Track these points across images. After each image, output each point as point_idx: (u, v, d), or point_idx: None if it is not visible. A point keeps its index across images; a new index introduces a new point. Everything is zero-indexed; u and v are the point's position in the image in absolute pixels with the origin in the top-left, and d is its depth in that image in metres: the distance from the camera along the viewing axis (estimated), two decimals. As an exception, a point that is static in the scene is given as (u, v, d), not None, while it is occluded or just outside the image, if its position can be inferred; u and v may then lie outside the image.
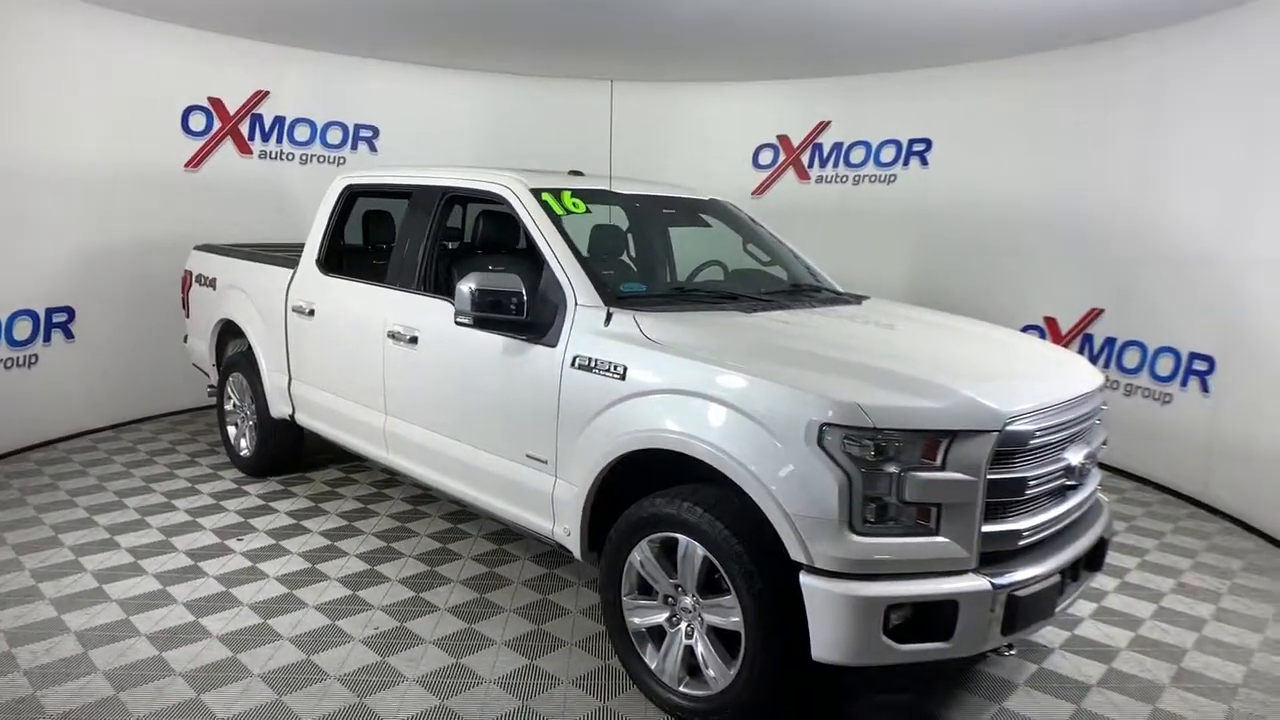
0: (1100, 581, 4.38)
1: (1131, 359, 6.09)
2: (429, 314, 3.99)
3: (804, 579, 2.66)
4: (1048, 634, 3.83)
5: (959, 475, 2.64)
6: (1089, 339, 6.41)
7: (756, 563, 2.76)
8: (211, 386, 5.91)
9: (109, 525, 4.71)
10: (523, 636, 3.66)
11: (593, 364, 3.25)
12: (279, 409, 5.13)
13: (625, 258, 4.80)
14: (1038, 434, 2.81)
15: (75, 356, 6.30)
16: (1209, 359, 5.51)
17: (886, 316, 3.89)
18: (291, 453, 5.50)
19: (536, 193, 3.83)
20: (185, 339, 6.26)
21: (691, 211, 4.78)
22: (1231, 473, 5.38)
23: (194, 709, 3.07)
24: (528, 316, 3.41)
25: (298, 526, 4.78)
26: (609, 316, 3.31)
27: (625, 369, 3.15)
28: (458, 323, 3.46)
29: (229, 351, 5.68)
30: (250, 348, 5.29)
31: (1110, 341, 6.27)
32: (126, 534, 4.60)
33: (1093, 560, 3.24)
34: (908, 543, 2.66)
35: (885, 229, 7.75)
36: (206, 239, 6.23)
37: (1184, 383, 5.69)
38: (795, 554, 2.67)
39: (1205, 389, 5.54)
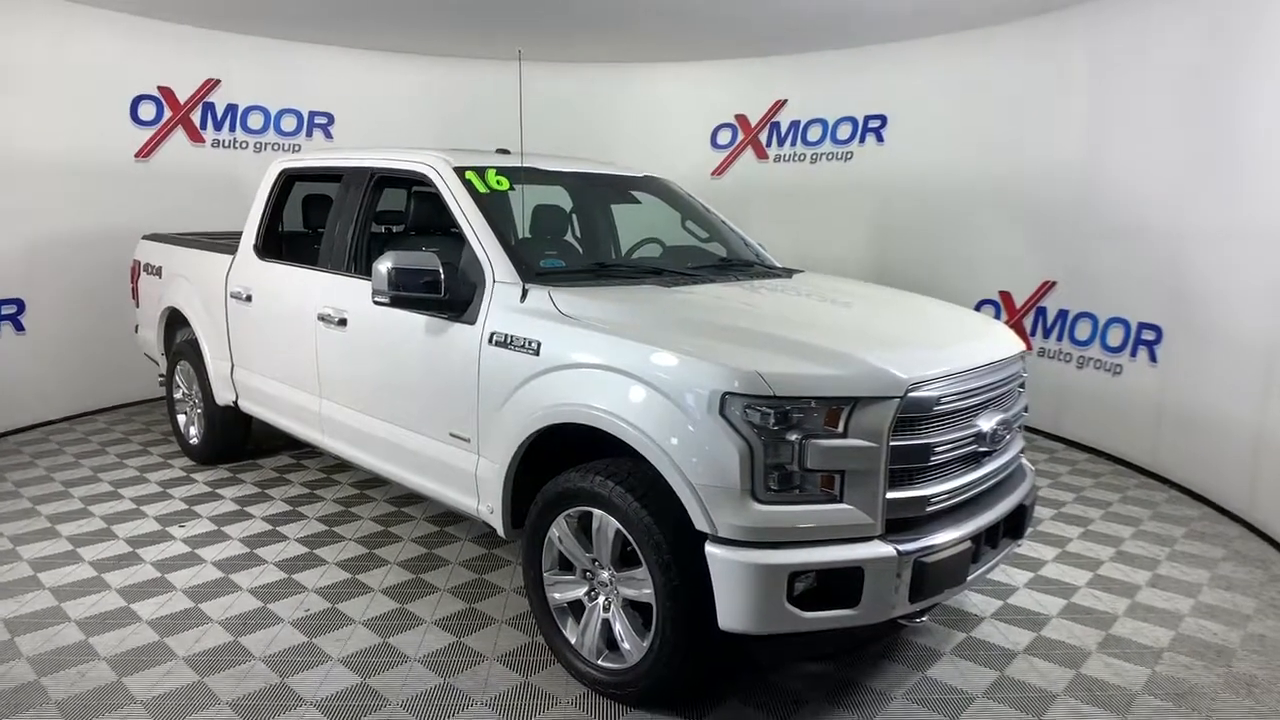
0: (1039, 551, 4.41)
1: (1083, 331, 6.09)
2: (357, 296, 3.96)
3: (708, 548, 2.65)
4: (979, 603, 3.84)
5: (861, 442, 2.64)
6: (1042, 311, 6.42)
7: (665, 534, 2.76)
8: (161, 375, 5.89)
9: (51, 515, 4.69)
10: (453, 615, 3.66)
11: (509, 340, 3.24)
12: (223, 395, 5.11)
13: (570, 237, 4.78)
14: (943, 400, 2.80)
15: (26, 348, 6.28)
16: (1157, 329, 5.52)
17: (812, 289, 3.87)
18: (239, 439, 5.48)
19: (460, 171, 3.80)
20: (135, 329, 6.23)
21: (628, 189, 4.75)
22: (1178, 441, 5.39)
23: (114, 691, 3.07)
24: (446, 294, 3.40)
25: (241, 512, 4.77)
26: (525, 292, 3.30)
27: (539, 344, 3.14)
28: (376, 302, 3.44)
29: (176, 340, 5.65)
30: (195, 335, 5.27)
31: (1063, 313, 6.27)
32: (68, 523, 4.58)
33: (1014, 527, 3.25)
34: (811, 510, 2.66)
35: (843, 206, 7.73)
36: (158, 229, 6.18)
37: (1133, 353, 5.70)
38: (700, 524, 2.67)
39: (1153, 359, 5.55)
